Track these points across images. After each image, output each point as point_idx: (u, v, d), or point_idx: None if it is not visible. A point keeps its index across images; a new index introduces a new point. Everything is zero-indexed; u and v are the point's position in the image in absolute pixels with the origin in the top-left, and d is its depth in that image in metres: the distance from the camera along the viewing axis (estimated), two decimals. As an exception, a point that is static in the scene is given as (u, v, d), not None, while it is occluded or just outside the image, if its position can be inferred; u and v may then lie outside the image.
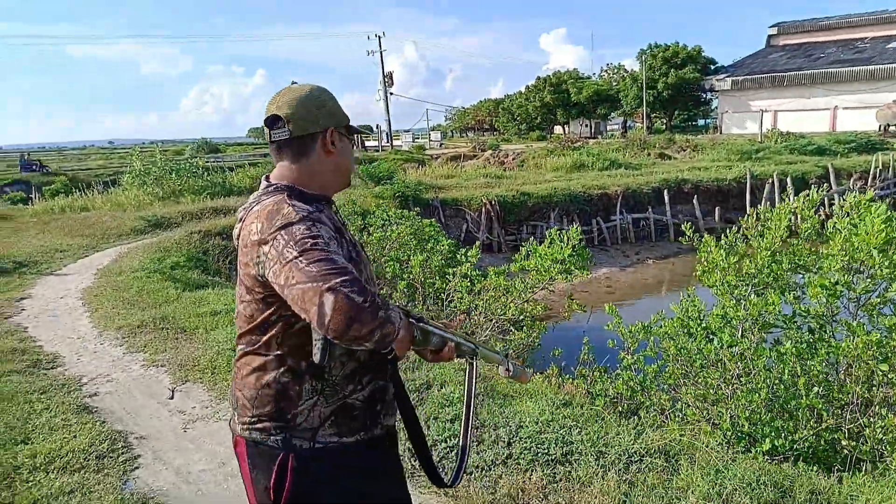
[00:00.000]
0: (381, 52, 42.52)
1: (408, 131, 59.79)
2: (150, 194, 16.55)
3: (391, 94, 43.78)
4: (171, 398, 4.56)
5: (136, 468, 3.49)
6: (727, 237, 5.17)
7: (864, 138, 24.72)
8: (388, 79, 42.96)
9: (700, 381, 4.27)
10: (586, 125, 55.77)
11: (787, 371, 3.80)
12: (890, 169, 19.35)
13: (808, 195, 4.80)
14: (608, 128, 57.19)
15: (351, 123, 1.70)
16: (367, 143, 50.71)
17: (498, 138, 51.31)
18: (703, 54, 47.21)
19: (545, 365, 6.29)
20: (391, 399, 1.64)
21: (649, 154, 27.92)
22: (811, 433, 3.58)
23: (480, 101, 75.72)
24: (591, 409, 4.09)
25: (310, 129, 1.59)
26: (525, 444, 3.41)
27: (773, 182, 17.44)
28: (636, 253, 15.24)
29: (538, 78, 56.20)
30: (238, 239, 1.55)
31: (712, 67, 47.34)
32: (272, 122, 1.59)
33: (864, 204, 4.13)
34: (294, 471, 1.48)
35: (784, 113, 40.49)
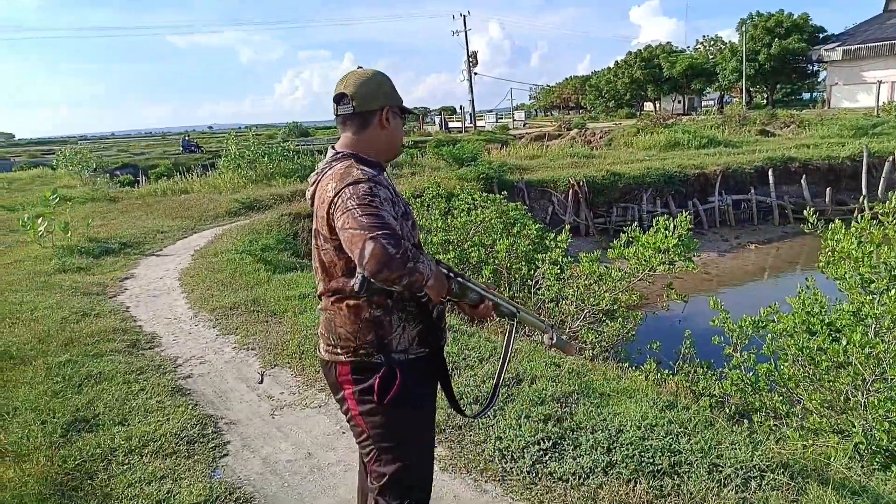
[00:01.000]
0: (465, 32, 42.11)
1: (491, 111, 59.24)
2: (243, 177, 17.13)
3: (475, 73, 43.38)
4: (261, 382, 4.57)
5: (225, 455, 3.48)
6: (858, 222, 4.59)
7: None
8: (472, 58, 42.53)
9: (826, 385, 3.81)
10: (679, 101, 53.18)
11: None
12: None
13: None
14: (703, 104, 54.27)
15: (406, 105, 2.06)
16: (449, 125, 50.65)
17: (584, 116, 49.89)
18: (810, 22, 43.66)
19: (641, 359, 5.92)
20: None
21: (749, 131, 26.18)
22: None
23: (566, 79, 73.86)
24: (698, 412, 3.73)
25: (369, 106, 1.92)
26: (627, 452, 3.13)
27: (893, 160, 15.84)
28: (736, 237, 14.29)
29: (628, 53, 54.04)
30: (313, 198, 1.93)
31: (821, 37, 43.68)
32: (339, 98, 1.94)
33: None
34: (399, 375, 1.88)
35: (904, 84, 36.89)
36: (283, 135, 39.40)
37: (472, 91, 43.23)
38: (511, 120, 49.87)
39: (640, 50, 52.43)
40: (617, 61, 54.83)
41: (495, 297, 1.97)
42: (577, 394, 3.85)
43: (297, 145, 22.70)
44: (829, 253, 4.66)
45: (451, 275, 1.86)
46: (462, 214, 8.07)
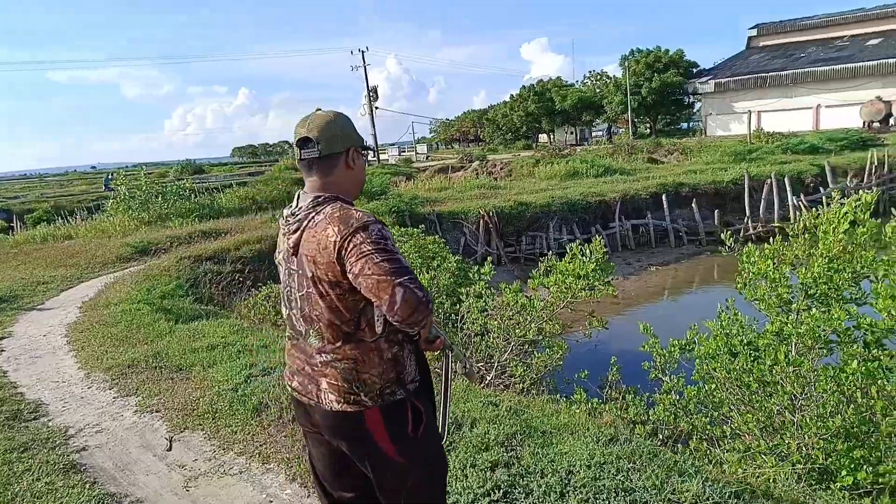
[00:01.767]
0: (364, 67, 42.23)
1: (393, 145, 59.55)
2: (135, 219, 16.00)
3: (376, 108, 43.46)
4: (169, 449, 4.08)
5: (135, 543, 3.03)
6: (770, 244, 4.79)
7: (856, 135, 24.66)
8: (372, 93, 42.65)
9: (758, 406, 3.87)
10: (571, 132, 55.82)
11: (858, 394, 3.42)
12: (886, 165, 19.24)
13: (858, 197, 4.42)
14: (593, 134, 57.23)
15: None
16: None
17: (484, 149, 51.16)
18: (684, 58, 47.34)
19: (570, 388, 5.88)
20: None
21: (637, 159, 27.74)
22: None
23: (464, 113, 75.72)
24: (641, 444, 3.66)
25: (335, 149, 1.94)
26: (582, 495, 2.99)
27: (770, 183, 17.22)
28: (637, 260, 14.92)
29: (522, 87, 56.25)
30: (298, 245, 1.90)
31: (694, 71, 47.47)
32: (304, 142, 1.93)
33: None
34: (421, 406, 1.98)
35: (767, 113, 40.58)
36: (176, 173, 37.57)
37: (373, 125, 43.26)
38: (414, 153, 50.31)
39: (534, 84, 54.74)
40: (512, 95, 56.98)
41: (441, 333, 2.10)
42: (520, 434, 3.69)
43: (194, 183, 21.63)
44: (746, 274, 4.82)
45: None
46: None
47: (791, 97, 40.46)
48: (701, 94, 45.57)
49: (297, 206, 1.96)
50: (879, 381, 3.39)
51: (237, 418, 4.31)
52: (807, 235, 4.75)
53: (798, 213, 17.50)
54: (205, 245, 12.01)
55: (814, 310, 3.79)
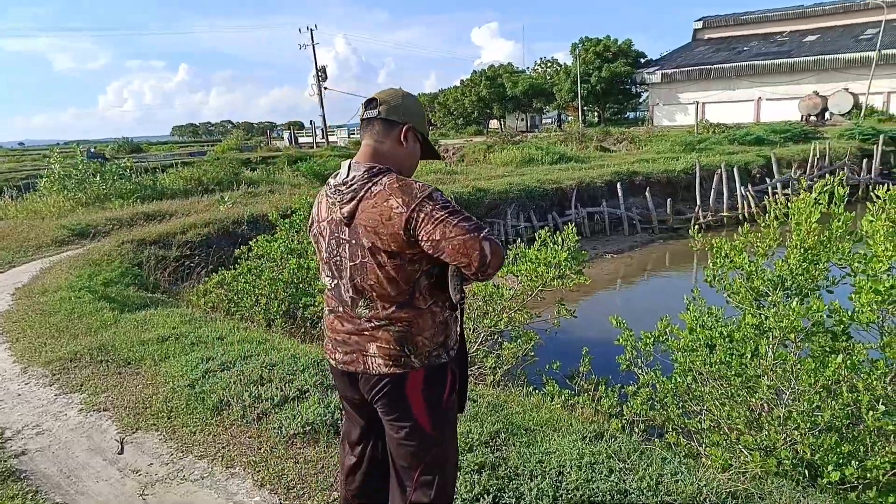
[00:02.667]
0: (313, 46, 41.15)
1: (342, 126, 58.43)
2: (71, 200, 15.05)
3: (325, 88, 42.50)
4: (121, 452, 3.75)
5: (87, 563, 2.72)
6: (740, 235, 4.73)
7: (798, 128, 25.56)
8: (321, 73, 41.63)
9: (741, 401, 3.83)
10: (522, 119, 55.98)
11: (844, 388, 3.39)
12: (826, 157, 19.99)
13: (830, 184, 4.39)
14: (543, 121, 57.58)
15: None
16: (300, 140, 49.14)
17: (435, 133, 50.78)
18: (633, 48, 48.03)
19: (538, 379, 5.78)
20: None
21: (587, 147, 28.01)
22: (887, 459, 3.17)
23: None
24: (626, 440, 3.56)
25: (393, 117, 1.97)
26: (576, 498, 2.85)
27: (720, 173, 17.62)
28: (593, 248, 15.02)
29: (473, 72, 55.98)
30: (353, 215, 1.91)
31: (642, 61, 48.26)
32: (368, 102, 2.00)
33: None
34: (457, 373, 2.07)
35: (711, 104, 41.69)
36: (112, 151, 35.81)
37: (322, 106, 42.32)
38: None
39: (485, 70, 54.54)
40: (463, 80, 56.58)
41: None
42: (504, 432, 3.53)
43: (133, 162, 20.57)
44: (715, 266, 4.75)
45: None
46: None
47: (734, 89, 41.66)
48: (648, 84, 46.42)
49: (349, 175, 1.95)
50: (864, 375, 3.36)
51: (196, 418, 4.00)
52: (776, 224, 4.72)
53: (745, 202, 18.12)
54: (148, 228, 11.35)
55: (794, 302, 3.75)
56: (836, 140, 21.94)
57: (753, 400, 3.71)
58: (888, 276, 3.49)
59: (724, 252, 4.45)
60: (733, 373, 3.90)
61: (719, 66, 42.30)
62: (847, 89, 35.73)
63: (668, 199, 17.28)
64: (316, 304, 6.65)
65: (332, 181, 2.02)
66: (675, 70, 44.22)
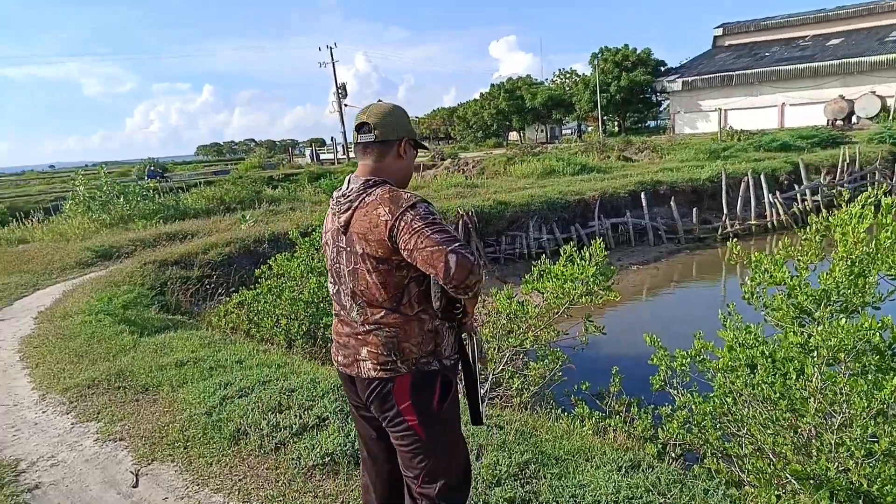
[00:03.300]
0: (333, 64, 41.53)
1: (362, 143, 58.76)
2: (95, 221, 15.19)
3: (346, 105, 42.76)
4: (136, 486, 3.62)
5: None
6: (780, 249, 4.48)
7: (826, 133, 24.98)
8: (341, 90, 41.95)
9: (787, 425, 3.58)
10: (542, 130, 55.80)
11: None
12: (857, 163, 19.46)
13: (871, 195, 4.13)
14: (563, 132, 57.32)
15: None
16: (321, 156, 49.49)
17: (455, 147, 50.81)
18: (652, 56, 47.74)
19: (566, 400, 5.56)
20: None
21: (608, 157, 27.69)
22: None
23: (434, 110, 75.27)
24: (664, 470, 3.34)
25: (389, 136, 2.07)
26: (614, 539, 2.64)
27: (747, 180, 17.21)
28: (617, 259, 14.70)
29: (492, 85, 56.11)
30: (348, 224, 2.03)
31: (662, 69, 47.87)
32: (361, 127, 2.07)
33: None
34: (452, 381, 2.11)
35: (734, 111, 41.12)
36: (139, 172, 36.35)
37: (342, 122, 42.59)
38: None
39: (503, 83, 54.58)
40: (482, 93, 56.72)
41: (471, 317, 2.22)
42: (534, 463, 3.33)
43: (157, 182, 20.77)
44: (754, 282, 4.50)
45: None
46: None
47: (756, 95, 41.05)
48: (669, 92, 45.97)
49: (348, 187, 2.10)
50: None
51: (212, 447, 3.86)
52: (818, 238, 4.46)
53: (774, 210, 17.67)
54: (170, 249, 11.37)
55: (843, 319, 3.50)
56: (865, 144, 21.36)
57: (801, 424, 3.46)
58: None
59: (763, 267, 4.20)
60: (778, 395, 3.65)
61: (741, 72, 41.77)
62: (874, 92, 34.96)
63: (694, 209, 16.89)
64: (336, 324, 6.52)
65: (335, 193, 2.17)
66: (696, 77, 43.75)
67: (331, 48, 41.75)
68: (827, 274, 3.95)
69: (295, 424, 3.94)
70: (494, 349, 5.72)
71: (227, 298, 8.27)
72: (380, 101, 2.21)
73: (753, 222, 17.21)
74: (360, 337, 2.08)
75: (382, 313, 2.03)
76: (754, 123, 36.77)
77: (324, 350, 6.58)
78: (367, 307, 2.05)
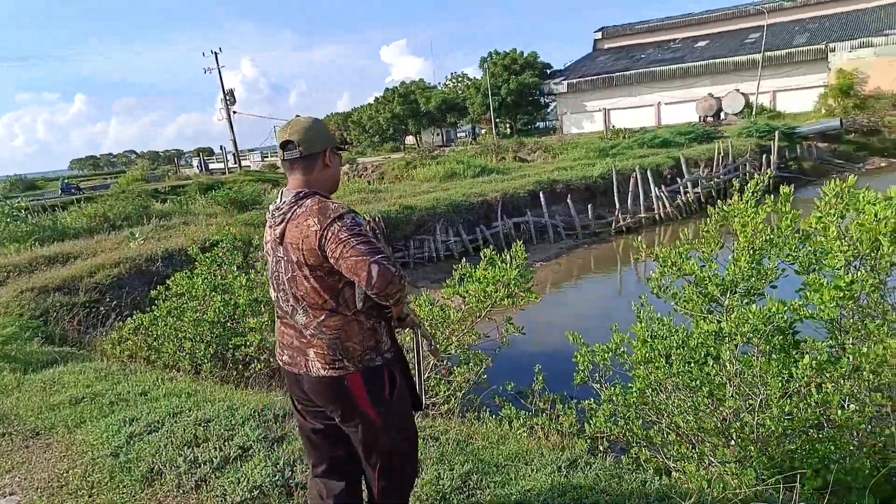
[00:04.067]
0: (219, 70, 39.79)
1: (254, 150, 56.82)
2: (-45, 248, 13.60)
3: (234, 112, 41.11)
4: (35, 545, 3.22)
5: None
6: (683, 241, 4.68)
7: (701, 129, 26.89)
8: (229, 97, 40.28)
9: (709, 411, 3.74)
10: (437, 133, 56.32)
11: (813, 389, 3.36)
12: (730, 156, 21.07)
13: (759, 181, 4.40)
14: (458, 135, 58.12)
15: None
16: (210, 166, 47.34)
17: (352, 151, 50.23)
18: (539, 60, 49.35)
19: (491, 402, 5.57)
20: None
21: (504, 158, 28.38)
22: (864, 459, 3.14)
23: (328, 116, 73.98)
24: (601, 466, 3.39)
25: (313, 150, 2.23)
26: (567, 543, 2.62)
27: (635, 176, 18.18)
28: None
29: (386, 90, 55.92)
30: (282, 235, 2.20)
31: (548, 72, 49.67)
32: (285, 144, 2.23)
33: (847, 191, 3.79)
34: (395, 373, 2.32)
35: (616, 111, 43.38)
36: (4, 190, 33.13)
37: (232, 130, 40.91)
38: (278, 158, 48.27)
39: (398, 87, 54.58)
40: (376, 98, 56.41)
41: (411, 312, 2.41)
42: (476, 473, 3.27)
43: (28, 201, 18.97)
44: (660, 273, 4.66)
45: None
46: (265, 266, 7.04)
47: (635, 95, 43.52)
48: (555, 94, 47.80)
49: (281, 200, 2.23)
50: (831, 373, 3.34)
51: (122, 492, 3.51)
52: (717, 228, 4.70)
53: (660, 203, 18.79)
54: (51, 273, 10.35)
55: (753, 305, 3.70)
56: (735, 138, 23.22)
57: (723, 408, 3.62)
58: (845, 272, 3.50)
59: (671, 261, 4.37)
60: (697, 382, 3.81)
61: (620, 73, 44.14)
62: (738, 90, 38.07)
63: (589, 205, 17.64)
64: (247, 344, 6.17)
65: (271, 207, 2.29)
66: (579, 79, 45.77)
67: (216, 53, 39.99)
68: (732, 263, 4.17)
69: (215, 458, 3.66)
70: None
71: (121, 324, 7.64)
72: (298, 116, 2.34)
73: (643, 215, 18.21)
74: (305, 339, 2.22)
75: (324, 316, 2.18)
76: (635, 122, 39.00)
77: (235, 373, 6.21)
78: (311, 310, 2.20)
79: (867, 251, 3.51)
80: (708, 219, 4.82)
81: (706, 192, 19.77)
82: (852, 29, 37.54)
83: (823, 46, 35.96)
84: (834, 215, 3.79)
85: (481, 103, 48.69)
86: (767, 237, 4.27)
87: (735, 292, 4.28)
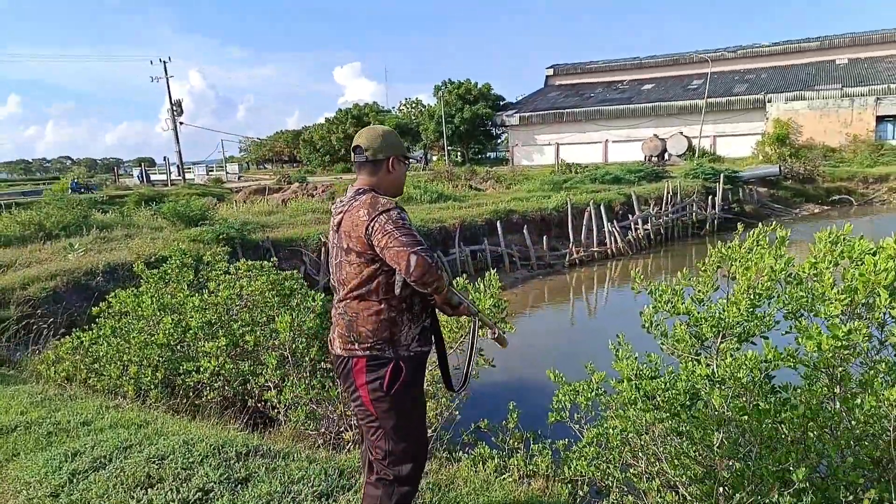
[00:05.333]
0: (167, 79, 38.67)
1: (199, 163, 55.27)
2: None
3: (181, 123, 39.93)
4: None
5: None
6: (679, 278, 4.62)
7: (650, 168, 27.72)
8: (176, 107, 39.12)
9: (701, 460, 3.63)
10: (389, 157, 56.24)
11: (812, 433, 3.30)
12: (679, 195, 21.72)
13: (766, 230, 4.42)
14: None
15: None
16: (152, 177, 45.69)
17: (302, 170, 49.51)
18: (492, 91, 50.23)
19: (459, 437, 5.34)
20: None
21: (457, 186, 28.48)
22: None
23: (278, 133, 72.92)
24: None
25: (378, 156, 2.52)
26: None
27: (589, 211, 18.47)
28: (477, 286, 14.96)
29: (339, 110, 55.68)
30: (339, 223, 2.47)
31: (501, 104, 50.57)
32: (356, 149, 2.54)
33: (845, 239, 3.81)
34: (403, 369, 2.40)
35: (565, 146, 44.42)
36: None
37: (178, 141, 39.70)
38: (224, 172, 47.05)
39: (351, 108, 54.42)
40: (329, 117, 56.04)
41: (466, 300, 2.53)
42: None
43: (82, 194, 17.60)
44: (650, 313, 4.59)
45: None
46: (225, 287, 6.64)
47: (584, 132, 44.71)
48: (507, 126, 48.61)
49: (346, 196, 2.53)
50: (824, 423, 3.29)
51: (65, 540, 3.10)
52: (714, 269, 4.66)
53: (612, 238, 19.13)
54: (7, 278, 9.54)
55: (750, 352, 3.64)
56: (683, 179, 24.00)
57: (716, 459, 3.52)
58: (841, 321, 3.47)
59: (665, 298, 4.29)
60: (690, 426, 3.71)
61: (570, 110, 45.32)
62: (682, 133, 39.66)
63: (544, 236, 17.76)
64: (200, 370, 5.76)
65: (336, 200, 2.62)
66: (531, 113, 46.73)
67: (164, 62, 38.88)
68: (730, 305, 4.11)
69: (172, 501, 3.30)
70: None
71: (57, 342, 7.05)
72: (371, 126, 2.64)
73: (595, 249, 18.47)
74: (335, 318, 2.50)
75: (349, 299, 2.41)
76: (584, 157, 39.97)
77: (185, 401, 5.77)
78: (345, 293, 2.43)
79: (862, 300, 3.51)
80: (706, 258, 4.76)
81: (655, 230, 20.27)
82: (788, 82, 39.79)
83: (762, 96, 37.94)
84: (828, 262, 3.79)
85: (434, 130, 49.00)
86: (767, 282, 4.23)
87: (728, 336, 4.23)
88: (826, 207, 26.56)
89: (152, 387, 5.85)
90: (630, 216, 19.86)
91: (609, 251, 18.71)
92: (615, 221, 19.13)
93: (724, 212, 22.77)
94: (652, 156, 39.07)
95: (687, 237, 21.57)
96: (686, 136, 39.30)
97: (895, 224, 22.02)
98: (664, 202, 20.95)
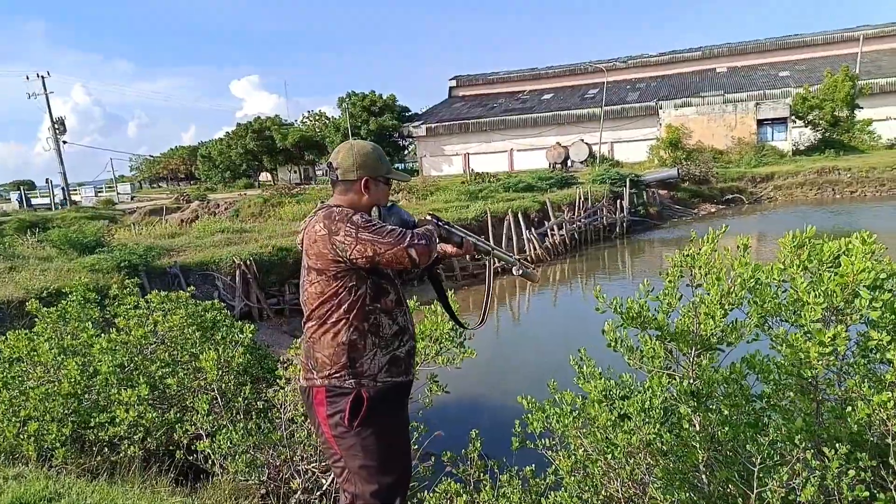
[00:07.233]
0: (47, 96, 35.68)
1: (86, 184, 51.42)
2: None
3: (64, 142, 36.90)
4: None
5: None
6: (641, 291, 4.48)
7: (559, 175, 28.42)
8: (59, 125, 36.14)
9: (684, 478, 3.48)
10: (295, 171, 54.76)
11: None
12: (589, 200, 22.34)
13: (721, 232, 4.33)
14: (317, 172, 56.93)
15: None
16: (33, 201, 42.01)
17: (201, 187, 47.20)
18: (398, 103, 50.06)
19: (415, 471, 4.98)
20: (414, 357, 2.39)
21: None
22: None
23: (172, 149, 69.27)
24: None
25: (349, 177, 2.33)
26: None
27: (508, 219, 18.58)
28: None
29: (238, 124, 53.62)
30: (301, 244, 2.32)
31: (407, 115, 50.52)
32: (328, 167, 2.41)
33: (811, 241, 3.78)
34: (366, 400, 2.15)
35: (473, 155, 44.99)
36: None
37: (62, 162, 36.65)
38: (115, 193, 43.97)
39: (251, 122, 52.51)
40: (228, 132, 53.83)
41: (473, 236, 2.53)
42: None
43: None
44: (613, 328, 4.42)
45: (439, 223, 2.41)
46: (136, 325, 5.92)
47: (490, 142, 45.46)
48: (415, 137, 48.62)
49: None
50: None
51: None
52: (678, 278, 4.55)
53: (531, 245, 19.35)
54: None
55: (735, 363, 3.53)
56: (591, 185, 24.74)
57: (697, 476, 3.37)
58: (822, 326, 3.41)
59: (633, 313, 4.11)
60: (675, 448, 3.55)
61: (475, 120, 45.95)
62: (583, 140, 41.13)
63: (469, 247, 17.66)
64: (116, 422, 5.06)
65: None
66: (437, 124, 46.98)
67: (43, 77, 35.81)
68: (706, 318, 3.98)
69: None
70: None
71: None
72: (350, 141, 2.44)
73: (517, 257, 18.56)
74: (302, 345, 2.32)
75: (311, 322, 2.24)
76: (491, 166, 40.58)
77: (101, 458, 5.03)
78: (307, 315, 2.26)
79: (841, 303, 3.47)
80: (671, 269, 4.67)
81: (570, 235, 20.71)
82: (676, 89, 42.28)
83: (653, 103, 40.04)
84: (797, 267, 3.74)
85: (341, 142, 48.14)
86: (740, 291, 4.13)
87: (708, 348, 4.10)
88: (721, 206, 28.26)
89: (58, 444, 5.07)
90: (546, 223, 20.18)
91: (529, 258, 18.90)
92: (532, 229, 19.37)
93: (631, 215, 23.67)
94: (556, 163, 40.23)
95: (599, 241, 22.26)
96: (587, 143, 40.79)
97: (784, 219, 23.75)
98: (576, 208, 21.48)
